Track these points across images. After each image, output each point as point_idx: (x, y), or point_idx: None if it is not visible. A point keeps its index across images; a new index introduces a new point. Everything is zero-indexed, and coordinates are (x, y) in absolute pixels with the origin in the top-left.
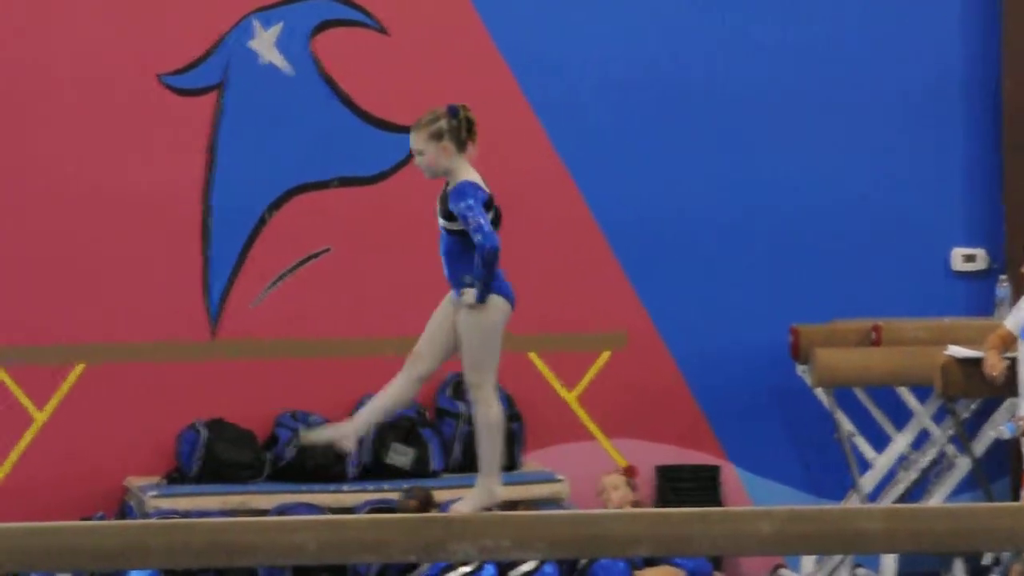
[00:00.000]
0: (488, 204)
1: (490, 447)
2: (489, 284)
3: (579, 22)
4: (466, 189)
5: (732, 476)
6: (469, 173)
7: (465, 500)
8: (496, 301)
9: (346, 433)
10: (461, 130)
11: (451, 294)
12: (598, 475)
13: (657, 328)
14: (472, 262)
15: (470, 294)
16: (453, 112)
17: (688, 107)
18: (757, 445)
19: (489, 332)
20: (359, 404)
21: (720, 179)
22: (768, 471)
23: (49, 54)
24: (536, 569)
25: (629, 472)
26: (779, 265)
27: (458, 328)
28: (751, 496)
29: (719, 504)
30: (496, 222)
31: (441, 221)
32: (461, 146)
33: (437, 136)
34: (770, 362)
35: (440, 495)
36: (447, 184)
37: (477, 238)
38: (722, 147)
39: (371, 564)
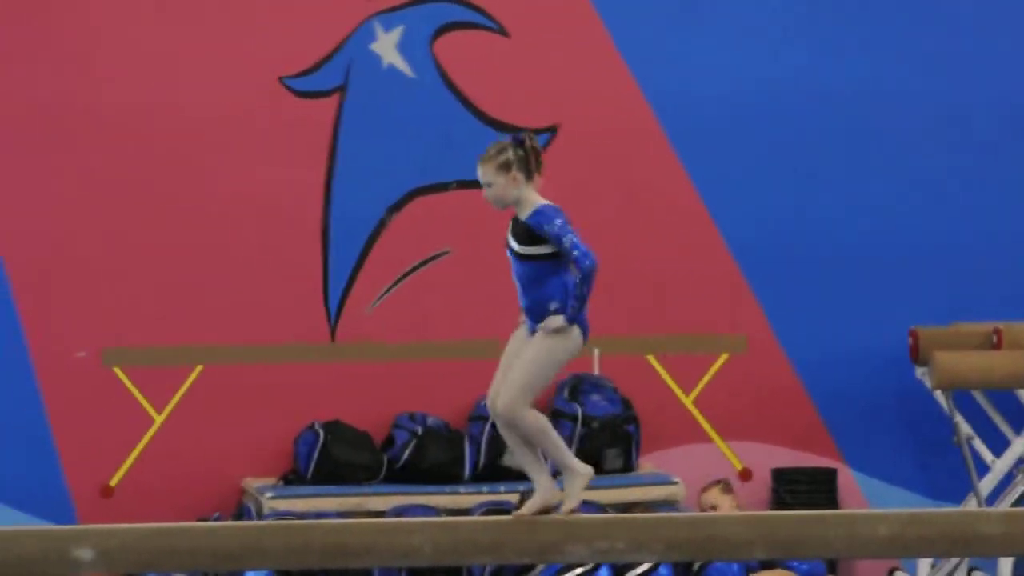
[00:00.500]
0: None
1: (554, 447)
2: (584, 303)
3: (700, 22)
4: (549, 212)
5: (849, 479)
6: (539, 200)
7: (568, 498)
8: (575, 332)
9: (544, 498)
10: (529, 159)
11: (523, 327)
12: (713, 478)
13: (775, 331)
14: (550, 287)
15: (557, 320)
16: (519, 142)
17: (808, 109)
18: (874, 448)
19: (555, 360)
20: (476, 405)
21: (840, 181)
22: (885, 474)
23: (173, 58)
24: (651, 571)
25: (726, 484)
26: (899, 267)
27: (525, 349)
28: (867, 499)
29: (835, 507)
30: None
31: (516, 247)
32: (529, 175)
33: (506, 167)
34: (889, 364)
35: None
36: (517, 214)
37: (575, 254)
38: (841, 149)
39: (485, 565)
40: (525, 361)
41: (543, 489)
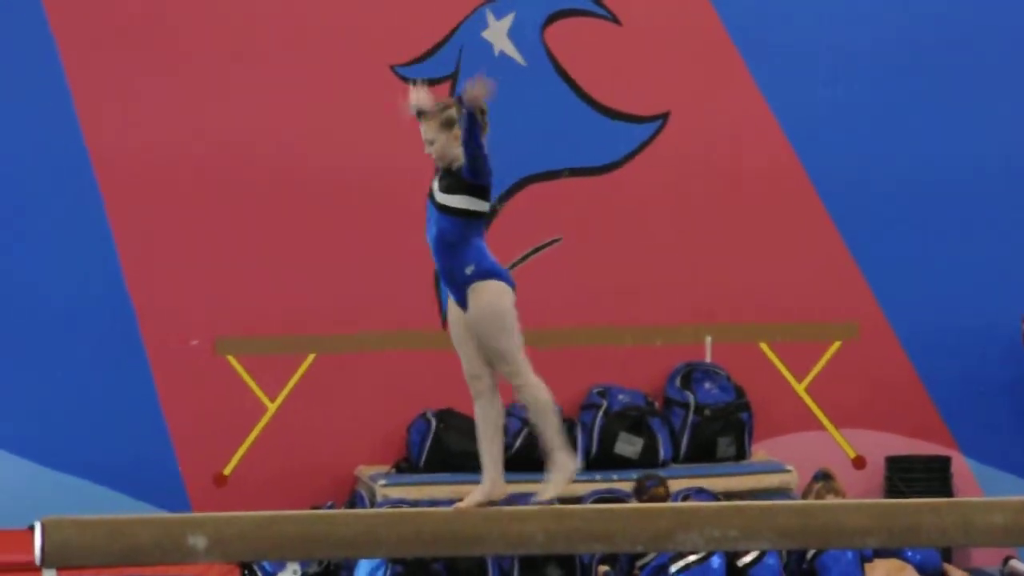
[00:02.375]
0: (483, 189)
1: (551, 427)
2: (475, 150)
3: (812, 6)
4: None
5: (963, 467)
6: None
7: (549, 485)
8: (497, 287)
9: (489, 492)
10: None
11: (451, 301)
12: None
13: (888, 318)
14: (467, 250)
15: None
16: (460, 98)
17: (921, 89)
18: (990, 435)
19: (502, 318)
20: (588, 394)
21: (953, 167)
22: (1001, 462)
23: (285, 46)
24: (758, 560)
25: (827, 476)
26: (1013, 252)
27: (472, 330)
28: (982, 487)
29: (950, 495)
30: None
31: (440, 197)
32: None
33: (448, 124)
34: (1003, 351)
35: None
36: (451, 166)
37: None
38: (954, 130)
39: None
40: (481, 339)
41: (490, 482)
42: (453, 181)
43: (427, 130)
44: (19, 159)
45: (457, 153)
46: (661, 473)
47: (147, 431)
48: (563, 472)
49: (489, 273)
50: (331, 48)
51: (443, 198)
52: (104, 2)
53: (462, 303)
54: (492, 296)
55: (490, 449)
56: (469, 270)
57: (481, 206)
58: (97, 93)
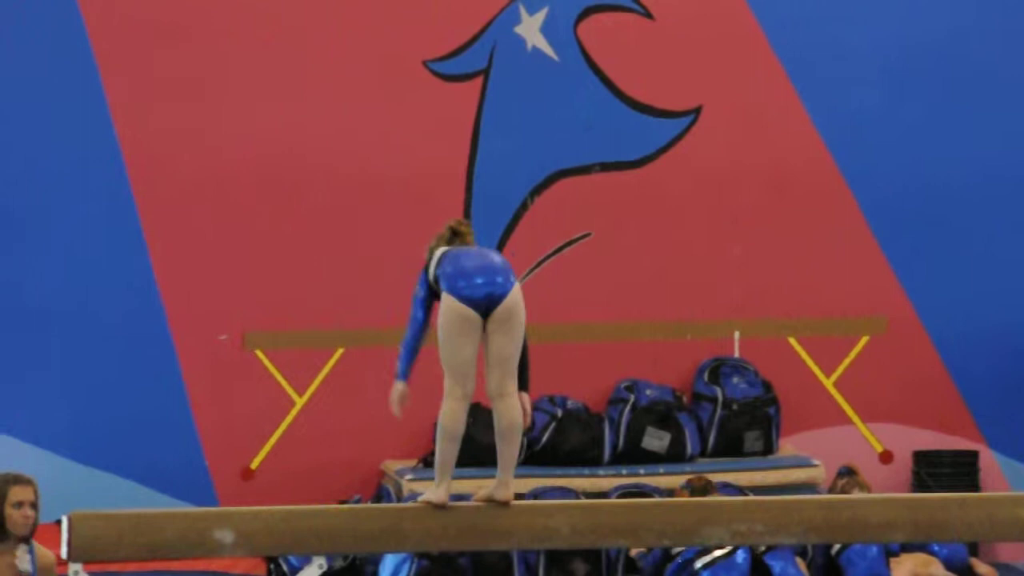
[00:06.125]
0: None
1: (440, 453)
2: (408, 360)
3: (848, 4)
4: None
5: (991, 462)
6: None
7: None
8: (443, 299)
9: (491, 493)
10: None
11: None
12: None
13: (917, 312)
14: None
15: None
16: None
17: (950, 87)
18: (1017, 430)
19: (443, 327)
20: (616, 388)
21: (983, 162)
22: None
23: (319, 44)
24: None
25: (852, 472)
26: None
27: None
28: (1010, 482)
29: (977, 490)
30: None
31: None
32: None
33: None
34: None
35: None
36: None
37: None
38: (984, 128)
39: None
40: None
41: (496, 483)
42: None
43: None
44: (53, 156)
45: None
46: (687, 468)
47: (175, 426)
48: (430, 495)
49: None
50: (365, 45)
51: None
52: (139, 6)
53: None
54: (439, 312)
55: (499, 451)
56: None
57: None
58: (130, 91)
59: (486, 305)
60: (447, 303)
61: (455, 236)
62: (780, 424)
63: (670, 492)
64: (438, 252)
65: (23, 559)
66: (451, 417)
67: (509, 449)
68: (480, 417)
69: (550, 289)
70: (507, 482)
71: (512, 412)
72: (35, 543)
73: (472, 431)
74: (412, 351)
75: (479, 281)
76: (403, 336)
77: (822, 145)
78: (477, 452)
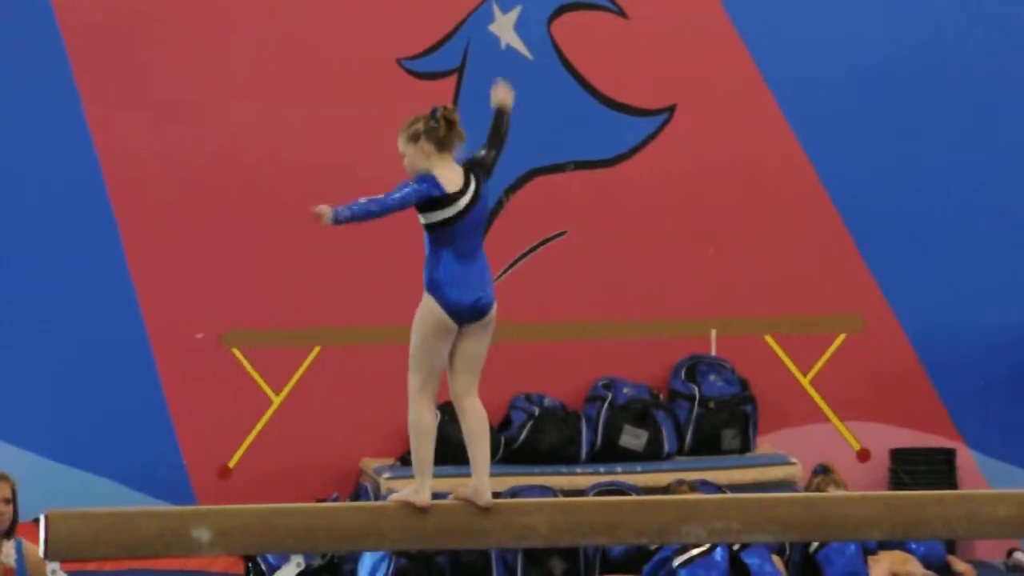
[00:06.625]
0: (435, 201)
1: (417, 453)
2: (354, 217)
3: (821, 3)
4: (419, 176)
5: (968, 459)
6: (443, 169)
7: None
8: (427, 299)
9: (470, 495)
10: (440, 131)
11: None
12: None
13: (893, 310)
14: (430, 263)
15: (324, 211)
16: (432, 114)
17: (924, 86)
18: (995, 428)
19: (414, 332)
20: (593, 386)
21: (958, 158)
22: (1005, 454)
23: (291, 41)
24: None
25: (827, 469)
26: (1019, 243)
27: None
28: (987, 480)
29: (954, 487)
30: (453, 220)
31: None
32: (441, 146)
33: (414, 138)
34: (1010, 343)
35: (666, 478)
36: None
37: (393, 195)
38: (958, 125)
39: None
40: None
41: (471, 487)
42: None
43: (399, 143)
44: (28, 156)
45: (424, 166)
46: (664, 466)
47: (152, 424)
48: (410, 494)
49: (426, 285)
50: (339, 43)
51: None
52: (113, 6)
53: None
54: (418, 309)
55: (472, 453)
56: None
57: (432, 218)
58: (105, 92)
59: (470, 316)
60: (431, 307)
61: (450, 129)
62: (757, 422)
63: (648, 490)
64: (424, 165)
65: (9, 554)
66: (425, 415)
67: (482, 450)
68: (454, 415)
69: (526, 288)
70: (484, 487)
71: (481, 411)
72: (24, 539)
73: (448, 429)
74: (366, 217)
75: (468, 298)
76: (361, 202)
77: (796, 144)
78: (453, 450)
